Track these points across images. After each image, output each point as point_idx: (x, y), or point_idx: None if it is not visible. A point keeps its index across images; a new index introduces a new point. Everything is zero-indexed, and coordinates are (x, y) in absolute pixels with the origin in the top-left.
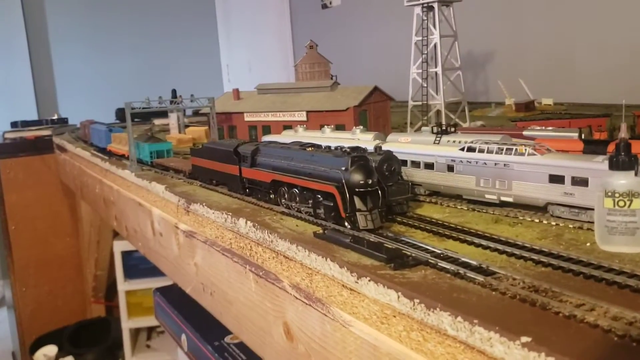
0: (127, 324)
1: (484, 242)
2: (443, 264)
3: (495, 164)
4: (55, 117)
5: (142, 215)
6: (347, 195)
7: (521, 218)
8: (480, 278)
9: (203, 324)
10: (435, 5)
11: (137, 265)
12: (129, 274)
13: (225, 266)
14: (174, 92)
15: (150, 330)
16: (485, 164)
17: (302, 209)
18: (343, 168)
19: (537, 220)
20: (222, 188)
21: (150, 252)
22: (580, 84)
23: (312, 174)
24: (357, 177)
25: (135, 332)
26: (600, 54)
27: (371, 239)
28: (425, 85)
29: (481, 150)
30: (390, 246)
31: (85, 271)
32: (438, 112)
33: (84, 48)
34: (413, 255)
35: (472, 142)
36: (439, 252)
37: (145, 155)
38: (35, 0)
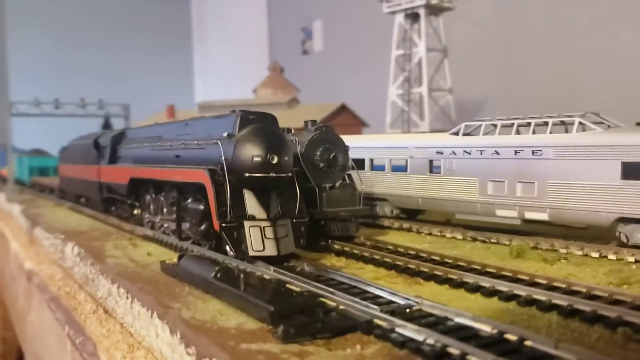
0: None
1: (503, 285)
2: (409, 329)
3: (516, 153)
4: None
5: (4, 252)
6: (228, 186)
7: (563, 251)
8: None
9: None
10: (422, 12)
11: None
12: None
13: (49, 327)
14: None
15: None
16: (497, 153)
17: (166, 224)
18: (225, 134)
19: (594, 255)
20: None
21: (11, 309)
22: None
23: (181, 157)
24: (250, 151)
25: None
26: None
27: (256, 272)
28: (406, 109)
29: (488, 132)
30: (294, 289)
31: None
32: None
33: (45, 79)
34: (340, 309)
35: (472, 120)
36: (402, 302)
37: (24, 173)
38: None
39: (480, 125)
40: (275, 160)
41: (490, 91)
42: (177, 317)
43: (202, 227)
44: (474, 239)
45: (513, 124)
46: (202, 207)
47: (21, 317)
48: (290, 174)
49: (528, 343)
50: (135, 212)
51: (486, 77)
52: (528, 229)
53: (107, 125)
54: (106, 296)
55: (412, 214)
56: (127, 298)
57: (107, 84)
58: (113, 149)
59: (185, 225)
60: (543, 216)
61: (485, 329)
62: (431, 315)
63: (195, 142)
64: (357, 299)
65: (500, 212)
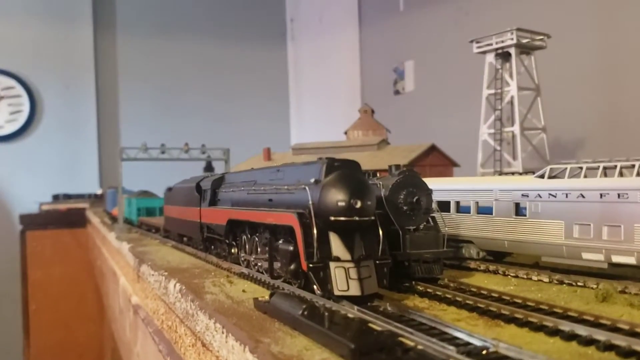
0: None
1: (582, 329)
2: None
3: (602, 196)
4: (100, 191)
5: (114, 287)
6: (315, 229)
7: None
8: None
9: None
10: (512, 51)
11: None
12: None
13: (153, 358)
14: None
15: None
16: (582, 196)
17: (260, 263)
18: (312, 180)
19: None
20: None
21: (119, 341)
22: None
23: (273, 200)
24: (334, 196)
25: None
26: None
27: (341, 311)
28: (498, 148)
29: (574, 175)
30: (376, 328)
31: None
32: None
33: (152, 126)
34: (418, 349)
35: (558, 163)
36: (479, 344)
37: (132, 213)
38: (109, 89)
39: (566, 167)
40: (359, 204)
41: (591, 130)
42: (267, 351)
43: (292, 266)
44: (561, 282)
45: (599, 166)
46: (291, 248)
47: (128, 348)
48: (373, 217)
49: None
50: (233, 251)
51: (586, 115)
52: (617, 272)
53: (209, 168)
54: (204, 330)
55: (498, 256)
56: (223, 332)
57: (209, 129)
58: (213, 192)
59: (277, 265)
60: (630, 260)
61: None
62: (506, 357)
63: (286, 187)
64: (435, 340)
65: (586, 255)
